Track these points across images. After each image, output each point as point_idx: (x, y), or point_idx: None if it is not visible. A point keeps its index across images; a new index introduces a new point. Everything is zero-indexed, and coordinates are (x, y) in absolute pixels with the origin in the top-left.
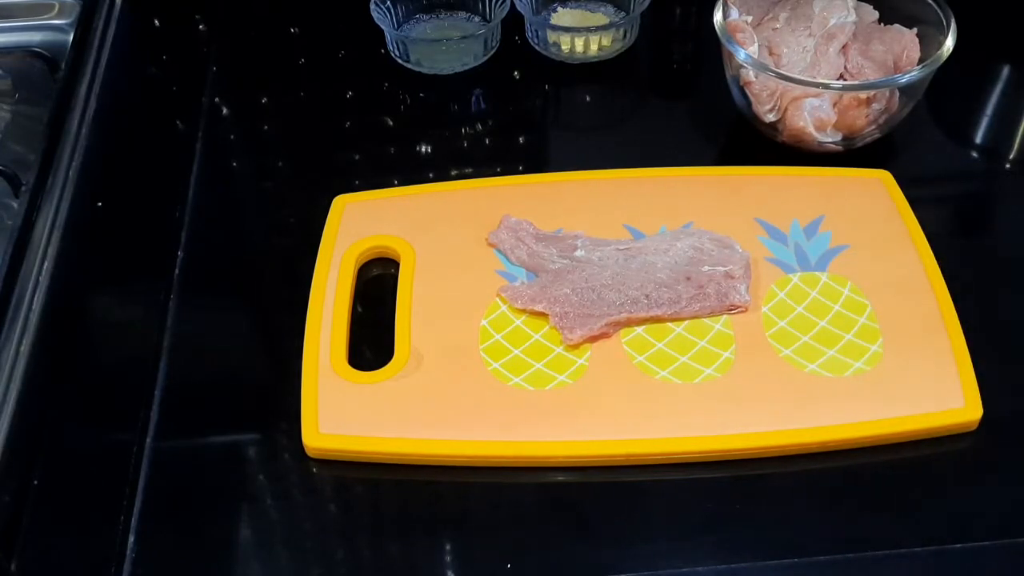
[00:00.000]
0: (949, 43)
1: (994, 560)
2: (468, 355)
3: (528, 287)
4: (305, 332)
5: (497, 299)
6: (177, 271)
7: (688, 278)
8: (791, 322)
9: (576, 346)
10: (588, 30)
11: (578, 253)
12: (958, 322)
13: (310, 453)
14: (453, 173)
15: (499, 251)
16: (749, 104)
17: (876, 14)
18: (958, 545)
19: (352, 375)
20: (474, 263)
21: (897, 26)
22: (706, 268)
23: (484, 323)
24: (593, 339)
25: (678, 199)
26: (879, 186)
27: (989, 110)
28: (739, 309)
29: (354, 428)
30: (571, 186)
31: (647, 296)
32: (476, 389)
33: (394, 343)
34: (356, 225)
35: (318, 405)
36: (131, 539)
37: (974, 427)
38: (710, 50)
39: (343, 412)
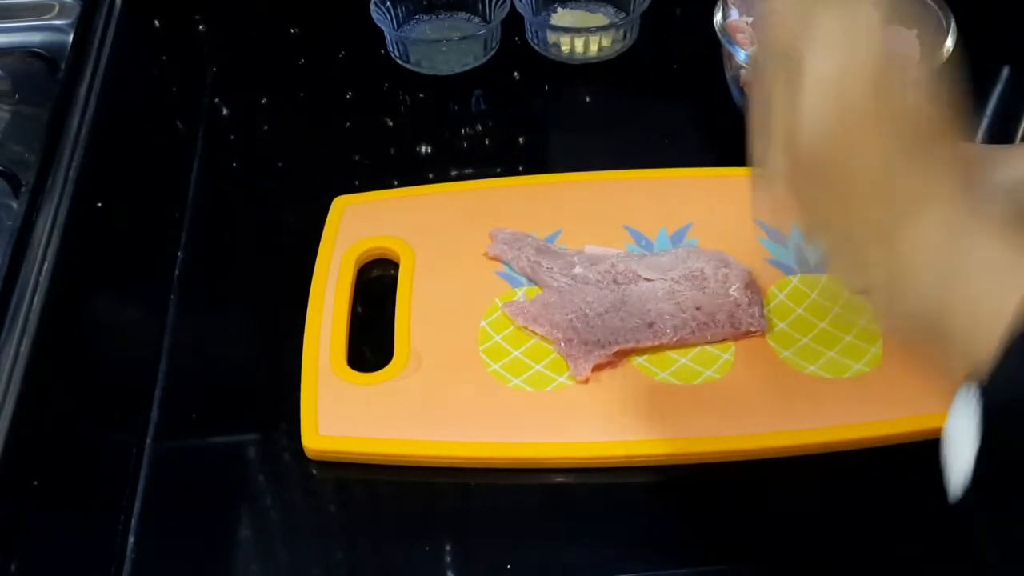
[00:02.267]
0: (949, 43)
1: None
2: (468, 356)
3: (530, 305)
4: (305, 333)
5: (497, 300)
6: (177, 271)
7: (698, 308)
8: (791, 324)
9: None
10: (588, 30)
11: (576, 270)
12: None
13: (309, 454)
14: (453, 173)
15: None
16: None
17: None
18: (958, 544)
19: (352, 376)
20: (474, 264)
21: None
22: (717, 299)
23: (484, 324)
24: (599, 368)
25: (678, 200)
26: None
27: (989, 110)
28: (755, 334)
29: (354, 429)
30: (571, 187)
31: (650, 325)
32: (476, 390)
33: (394, 344)
34: (356, 226)
35: (317, 406)
36: (131, 539)
37: None
38: (710, 50)
39: (343, 413)
